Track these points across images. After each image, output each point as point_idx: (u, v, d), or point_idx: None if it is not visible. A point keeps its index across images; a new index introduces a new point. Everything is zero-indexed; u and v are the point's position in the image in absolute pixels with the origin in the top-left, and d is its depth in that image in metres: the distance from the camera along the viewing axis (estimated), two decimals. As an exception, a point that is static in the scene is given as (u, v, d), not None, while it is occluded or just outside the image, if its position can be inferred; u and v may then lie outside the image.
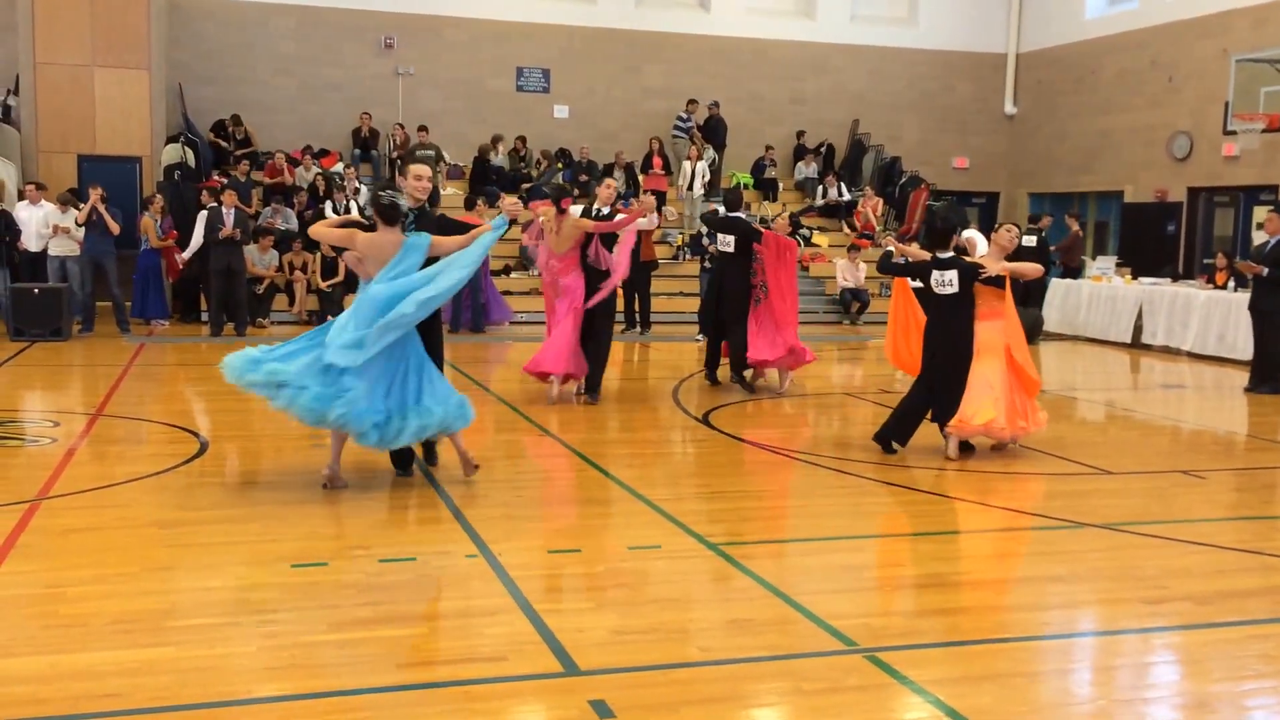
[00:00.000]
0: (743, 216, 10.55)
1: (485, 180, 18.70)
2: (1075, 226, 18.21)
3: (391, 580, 4.87)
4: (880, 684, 3.95)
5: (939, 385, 7.67)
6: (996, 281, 7.51)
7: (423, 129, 18.42)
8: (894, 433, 7.82)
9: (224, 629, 4.26)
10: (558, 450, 7.79)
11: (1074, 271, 17.44)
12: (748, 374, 10.55)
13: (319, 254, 15.64)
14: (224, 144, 18.20)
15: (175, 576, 4.94)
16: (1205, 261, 17.73)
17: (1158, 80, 19.25)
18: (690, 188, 19.33)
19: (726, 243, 10.28)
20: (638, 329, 15.27)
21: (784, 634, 4.39)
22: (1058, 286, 16.78)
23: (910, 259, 8.04)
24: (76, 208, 13.91)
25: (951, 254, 7.60)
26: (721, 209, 10.74)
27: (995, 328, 7.62)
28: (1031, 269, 7.95)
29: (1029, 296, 17.34)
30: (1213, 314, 14.12)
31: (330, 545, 5.37)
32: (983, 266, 7.49)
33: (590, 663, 4.02)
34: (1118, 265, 16.66)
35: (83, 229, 13.55)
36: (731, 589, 4.92)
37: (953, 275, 7.48)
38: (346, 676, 3.87)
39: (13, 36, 16.81)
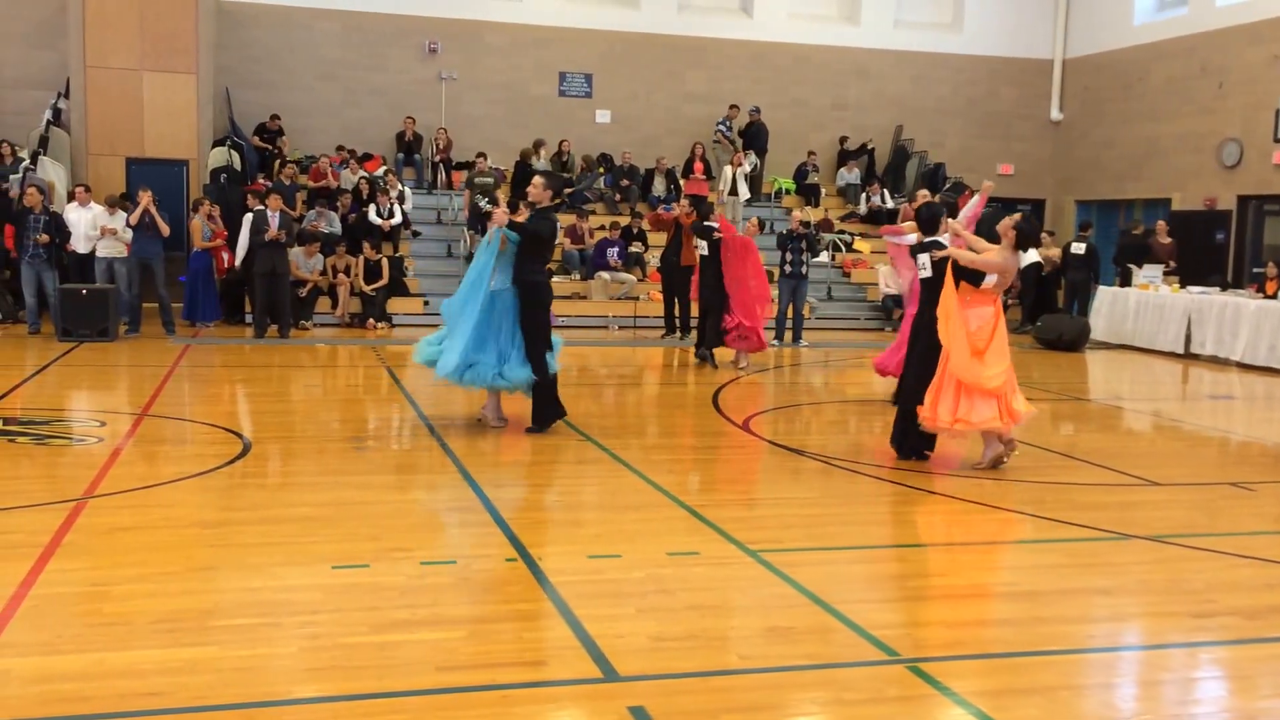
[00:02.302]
0: (709, 224, 12.77)
1: (527, 184, 18.75)
2: (1166, 238, 17.59)
3: (431, 583, 4.89)
4: (922, 695, 3.90)
5: (912, 373, 7.59)
6: (970, 276, 7.29)
7: (481, 155, 18.14)
8: (905, 443, 7.70)
9: (265, 629, 4.29)
10: (597, 455, 7.78)
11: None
12: (737, 359, 12.42)
13: (362, 257, 15.78)
14: (268, 147, 18.43)
15: (218, 576, 4.98)
16: (1255, 270, 17.38)
17: (1207, 87, 18.94)
18: (733, 192, 19.29)
19: (702, 247, 12.62)
20: (677, 334, 15.25)
21: (824, 643, 4.35)
22: (1105, 294, 16.55)
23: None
24: (125, 209, 14.13)
25: (932, 239, 7.60)
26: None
27: (968, 317, 7.35)
28: (994, 265, 7.28)
29: (1075, 305, 17.16)
30: (1263, 324, 13.85)
31: (371, 547, 5.39)
32: (944, 246, 7.44)
33: (629, 669, 4.00)
34: (1165, 274, 16.39)
35: (130, 231, 13.76)
36: (771, 596, 4.88)
37: (925, 258, 7.53)
38: (386, 678, 3.88)
39: (63, 41, 17.14)
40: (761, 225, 13.79)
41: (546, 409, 8.26)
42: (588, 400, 10.09)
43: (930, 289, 7.53)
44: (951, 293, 7.31)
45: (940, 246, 7.51)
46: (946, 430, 7.42)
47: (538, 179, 8.40)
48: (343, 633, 4.26)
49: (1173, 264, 16.69)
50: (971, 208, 9.20)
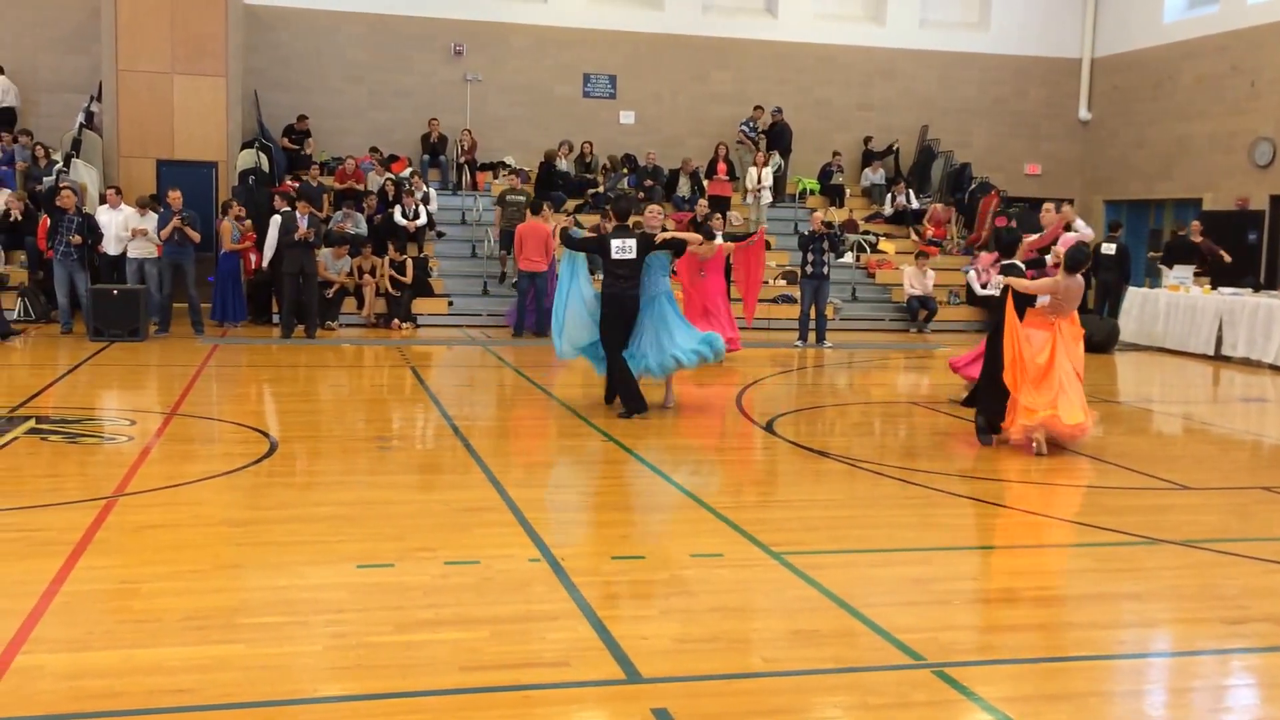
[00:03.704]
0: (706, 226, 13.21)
1: (551, 185, 18.80)
2: (1199, 237, 17.28)
3: (455, 583, 4.90)
4: (949, 700, 3.87)
5: (988, 374, 8.32)
6: (1026, 299, 8.01)
7: (513, 174, 17.85)
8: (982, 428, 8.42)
9: (292, 628, 4.31)
10: (621, 456, 7.78)
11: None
12: None
13: (387, 258, 15.85)
14: (297, 149, 18.56)
15: (245, 574, 5.02)
16: (1288, 271, 17.18)
17: (1239, 85, 18.72)
18: (758, 193, 19.23)
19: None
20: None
21: (849, 646, 4.33)
22: (1134, 295, 16.39)
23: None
24: (155, 210, 14.28)
25: (1010, 261, 8.40)
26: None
27: (1029, 335, 8.07)
28: (1044, 287, 8.03)
29: (1106, 306, 16.99)
30: (1296, 326, 13.67)
31: (395, 546, 5.41)
32: (1017, 268, 8.32)
33: (652, 670, 4.00)
34: (1196, 274, 16.20)
35: (160, 232, 13.92)
36: (795, 599, 4.86)
37: (998, 279, 8.36)
38: (410, 678, 3.89)
39: (96, 45, 17.34)
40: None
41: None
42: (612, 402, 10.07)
43: (1000, 307, 8.25)
44: (1012, 314, 8.01)
45: (1014, 269, 8.26)
46: (1022, 436, 8.02)
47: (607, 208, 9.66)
48: (367, 632, 4.28)
49: (1227, 258, 16.43)
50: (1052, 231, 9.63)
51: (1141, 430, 9.88)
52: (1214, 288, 15.51)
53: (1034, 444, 7.96)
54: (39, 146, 16.93)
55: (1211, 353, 14.78)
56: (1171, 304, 15.66)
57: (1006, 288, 8.08)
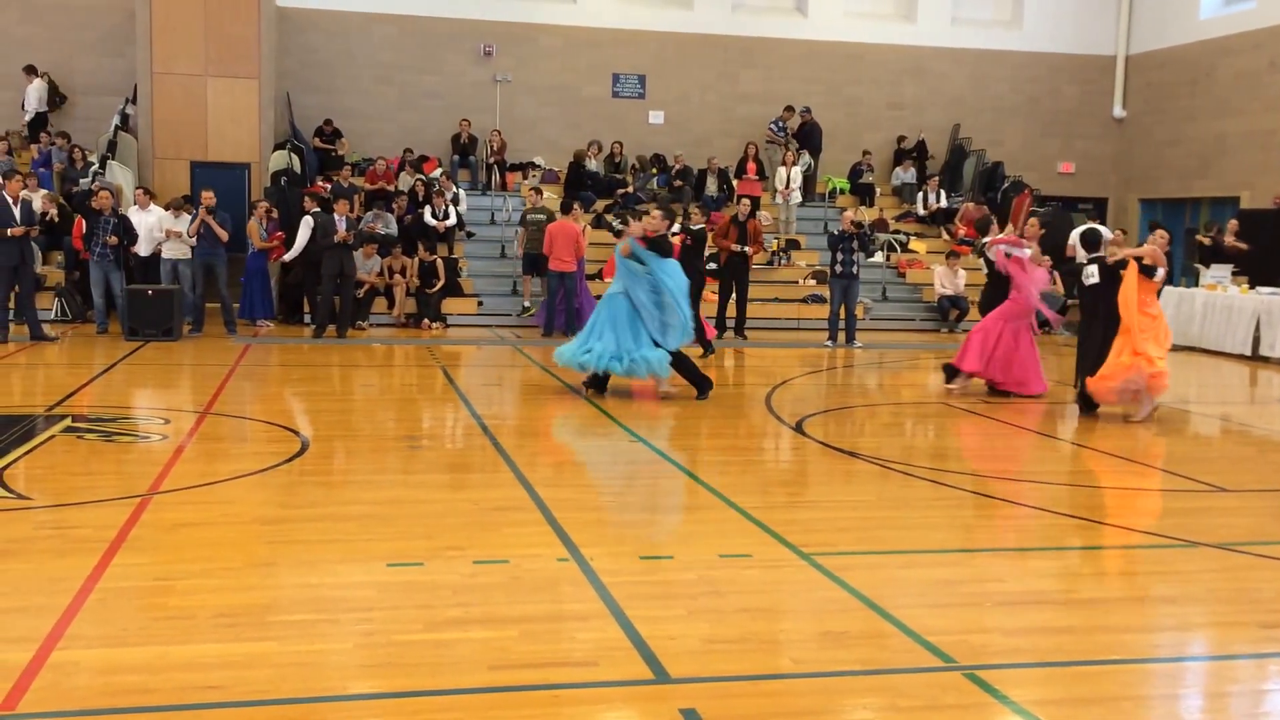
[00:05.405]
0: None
1: (580, 185, 18.84)
2: (1234, 241, 17.05)
3: (484, 582, 4.91)
4: (980, 703, 3.84)
5: (1093, 352, 9.74)
6: (1145, 271, 9.52)
7: (535, 189, 17.33)
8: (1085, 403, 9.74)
9: (322, 625, 4.34)
10: (649, 455, 7.78)
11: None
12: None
13: (417, 259, 15.94)
14: (330, 148, 18.70)
15: (277, 572, 5.06)
16: (1328, 271, 16.85)
17: (1277, 82, 18.46)
18: (787, 194, 19.16)
19: None
20: (731, 333, 15.20)
21: (879, 648, 4.30)
22: (1171, 295, 16.18)
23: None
24: (188, 212, 14.44)
25: (1097, 255, 9.96)
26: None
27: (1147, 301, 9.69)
28: (1161, 259, 9.62)
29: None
30: (1336, 325, 13.45)
31: (425, 545, 5.44)
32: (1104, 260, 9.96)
33: (681, 671, 3.99)
34: (1234, 274, 15.98)
35: (189, 228, 14.08)
36: (824, 600, 4.84)
37: (1093, 269, 9.98)
38: (439, 676, 3.91)
39: (131, 48, 17.56)
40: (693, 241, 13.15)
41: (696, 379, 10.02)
42: (640, 401, 10.09)
43: (1096, 292, 9.91)
44: (1131, 284, 9.39)
45: (1103, 260, 9.87)
46: (1114, 395, 9.42)
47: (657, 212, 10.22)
48: (397, 630, 4.30)
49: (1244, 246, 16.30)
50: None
51: (1178, 432, 9.76)
52: (1251, 287, 15.30)
53: (1150, 409, 9.40)
54: (75, 148, 17.17)
55: (1249, 353, 14.59)
56: (1209, 304, 15.47)
57: (1110, 271, 9.58)
